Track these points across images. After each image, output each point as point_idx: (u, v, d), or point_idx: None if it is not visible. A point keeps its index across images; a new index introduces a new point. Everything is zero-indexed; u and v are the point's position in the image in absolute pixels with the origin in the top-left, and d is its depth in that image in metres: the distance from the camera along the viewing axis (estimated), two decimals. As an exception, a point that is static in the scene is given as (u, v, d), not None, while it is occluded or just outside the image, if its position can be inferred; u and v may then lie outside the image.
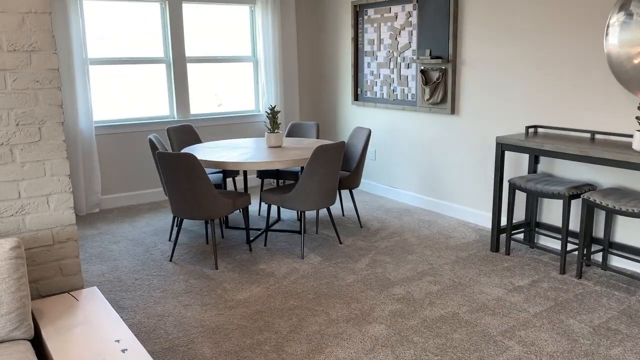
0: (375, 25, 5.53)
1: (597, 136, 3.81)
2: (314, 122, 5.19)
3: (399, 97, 5.37)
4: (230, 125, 6.05)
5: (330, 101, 6.33)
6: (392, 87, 5.44)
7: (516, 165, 4.39)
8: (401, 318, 3.12)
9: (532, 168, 4.17)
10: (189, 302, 3.35)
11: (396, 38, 5.30)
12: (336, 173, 4.03)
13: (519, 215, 4.42)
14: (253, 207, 5.41)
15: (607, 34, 3.59)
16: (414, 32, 5.09)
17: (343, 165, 4.82)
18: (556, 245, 4.16)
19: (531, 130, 4.18)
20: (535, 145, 3.72)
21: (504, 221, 4.49)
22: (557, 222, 4.14)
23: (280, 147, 4.43)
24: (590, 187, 3.71)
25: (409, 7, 5.11)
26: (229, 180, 6.07)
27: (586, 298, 3.33)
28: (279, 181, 5.11)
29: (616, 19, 3.52)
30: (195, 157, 3.63)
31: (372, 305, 3.29)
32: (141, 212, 5.32)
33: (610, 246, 3.78)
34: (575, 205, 3.99)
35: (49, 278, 2.50)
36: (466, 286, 3.53)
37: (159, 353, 2.80)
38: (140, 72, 5.50)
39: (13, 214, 2.37)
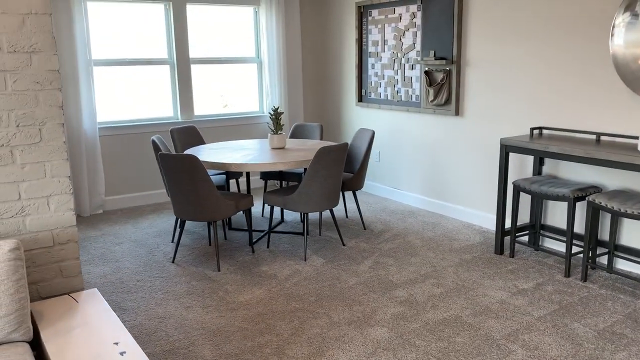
0: (379, 26, 5.51)
1: (603, 138, 3.77)
2: (318, 123, 5.17)
3: (403, 99, 5.35)
4: (234, 127, 6.04)
5: (334, 102, 6.32)
6: (396, 89, 5.42)
7: (521, 166, 4.36)
8: (403, 321, 3.10)
9: (537, 170, 4.14)
10: (191, 304, 3.34)
11: (400, 39, 5.28)
12: (339, 175, 4.02)
13: (524, 217, 4.39)
14: (256, 209, 5.39)
15: (612, 35, 3.56)
16: (418, 33, 5.06)
17: (346, 167, 4.81)
18: (561, 247, 4.12)
19: (536, 131, 4.15)
20: (540, 147, 3.69)
21: (508, 223, 4.45)
22: (562, 224, 4.10)
23: (283, 148, 4.41)
24: (596, 189, 3.67)
25: (413, 8, 5.08)
26: (232, 181, 6.07)
27: (591, 301, 3.30)
28: (282, 183, 5.10)
29: (622, 19, 3.49)
30: (197, 158, 3.63)
31: (374, 308, 3.27)
32: (144, 213, 5.32)
33: (615, 249, 3.74)
34: (581, 208, 3.96)
35: (49, 280, 2.50)
36: (469, 289, 3.51)
37: (159, 355, 2.79)
38: (144, 73, 5.50)
39: (13, 215, 2.37)
